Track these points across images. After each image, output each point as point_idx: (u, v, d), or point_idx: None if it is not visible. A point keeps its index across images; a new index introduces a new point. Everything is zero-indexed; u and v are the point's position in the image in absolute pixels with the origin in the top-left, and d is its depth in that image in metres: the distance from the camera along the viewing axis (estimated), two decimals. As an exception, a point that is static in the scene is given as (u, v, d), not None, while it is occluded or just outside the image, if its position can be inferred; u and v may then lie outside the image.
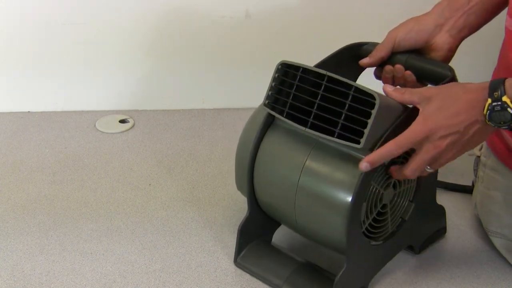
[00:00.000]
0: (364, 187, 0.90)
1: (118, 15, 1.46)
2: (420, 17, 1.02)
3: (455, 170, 1.28)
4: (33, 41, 1.47)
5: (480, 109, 0.85)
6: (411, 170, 0.89)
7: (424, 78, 1.01)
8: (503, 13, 1.01)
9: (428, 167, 0.89)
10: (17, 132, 1.45)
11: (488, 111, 0.84)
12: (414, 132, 0.86)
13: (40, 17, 1.45)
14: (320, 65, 1.00)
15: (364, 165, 0.87)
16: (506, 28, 1.00)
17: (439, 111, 0.86)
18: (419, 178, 0.99)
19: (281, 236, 1.10)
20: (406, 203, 1.00)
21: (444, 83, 0.95)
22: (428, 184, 1.02)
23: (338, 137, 0.88)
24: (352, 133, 0.87)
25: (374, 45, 1.05)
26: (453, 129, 0.85)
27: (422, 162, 0.88)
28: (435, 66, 0.99)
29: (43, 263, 1.06)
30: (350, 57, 1.06)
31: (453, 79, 0.96)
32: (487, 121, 0.85)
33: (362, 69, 1.08)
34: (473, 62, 1.46)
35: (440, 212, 1.10)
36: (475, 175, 1.15)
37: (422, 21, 1.02)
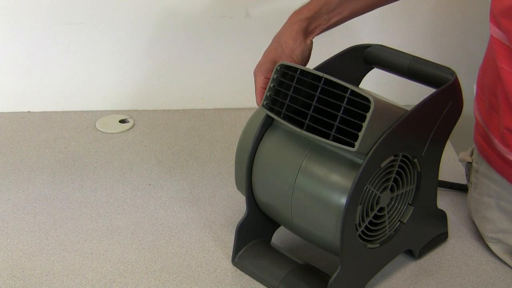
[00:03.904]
0: (358, 190, 0.89)
1: (118, 15, 1.46)
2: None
3: (456, 170, 1.28)
4: (33, 41, 1.47)
5: None
6: None
7: (426, 81, 1.01)
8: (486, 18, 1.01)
9: None
10: (17, 132, 1.45)
11: None
12: None
13: (40, 17, 1.45)
14: (323, 66, 1.00)
15: None
16: (491, 35, 1.00)
17: None
18: (419, 182, 0.99)
19: (281, 236, 1.10)
20: (405, 206, 1.00)
21: (446, 87, 0.95)
22: (429, 188, 1.02)
23: (333, 140, 0.87)
24: (348, 136, 0.86)
25: (378, 47, 1.05)
26: None
27: None
28: (437, 70, 0.99)
29: (43, 263, 1.06)
30: (355, 59, 1.05)
31: (455, 82, 0.96)
32: None
33: (366, 71, 1.08)
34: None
35: (441, 217, 1.09)
36: (468, 180, 1.15)
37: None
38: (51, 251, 1.09)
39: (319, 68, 1.00)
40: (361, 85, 1.08)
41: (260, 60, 1.02)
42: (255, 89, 1.00)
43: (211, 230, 1.14)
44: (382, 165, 0.91)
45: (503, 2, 0.94)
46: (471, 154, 1.14)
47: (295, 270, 1.00)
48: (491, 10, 0.98)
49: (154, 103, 1.54)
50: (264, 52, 1.03)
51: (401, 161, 0.94)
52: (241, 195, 1.07)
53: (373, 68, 1.08)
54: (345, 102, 0.87)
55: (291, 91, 0.93)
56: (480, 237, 1.11)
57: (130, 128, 1.47)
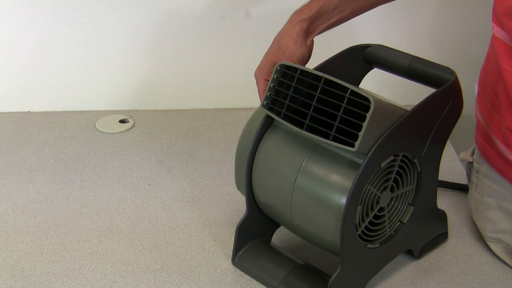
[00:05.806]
0: (358, 190, 0.89)
1: (118, 15, 1.46)
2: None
3: (456, 170, 1.28)
4: (33, 41, 1.47)
5: None
6: None
7: (426, 81, 1.01)
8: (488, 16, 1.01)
9: None
10: (17, 132, 1.45)
11: None
12: None
13: (40, 17, 1.45)
14: (322, 66, 1.00)
15: None
16: (494, 35, 0.99)
17: None
18: (419, 182, 0.99)
19: (281, 236, 1.10)
20: (405, 206, 0.99)
21: (446, 87, 0.95)
22: (429, 188, 1.02)
23: (333, 140, 0.87)
24: (348, 136, 0.86)
25: (378, 47, 1.05)
26: None
27: None
28: (437, 70, 0.99)
29: (43, 263, 1.06)
30: (354, 59, 1.05)
31: (455, 82, 0.96)
32: None
33: (366, 71, 1.08)
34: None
35: (441, 216, 1.09)
36: (469, 180, 1.15)
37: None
38: (51, 251, 1.09)
39: (319, 68, 1.00)
40: (361, 85, 1.08)
41: (261, 62, 1.02)
42: (258, 92, 1.00)
43: (211, 230, 1.14)
44: (382, 165, 0.91)
45: (506, 3, 0.94)
46: (472, 154, 1.14)
47: (295, 270, 1.00)
48: (494, 10, 0.98)
49: (154, 103, 1.54)
50: (265, 54, 1.03)
51: (401, 161, 0.94)
52: (241, 195, 1.07)
53: (373, 68, 1.08)
54: (345, 102, 0.87)
55: (291, 91, 0.93)
56: (480, 237, 1.11)
57: (130, 128, 1.47)
